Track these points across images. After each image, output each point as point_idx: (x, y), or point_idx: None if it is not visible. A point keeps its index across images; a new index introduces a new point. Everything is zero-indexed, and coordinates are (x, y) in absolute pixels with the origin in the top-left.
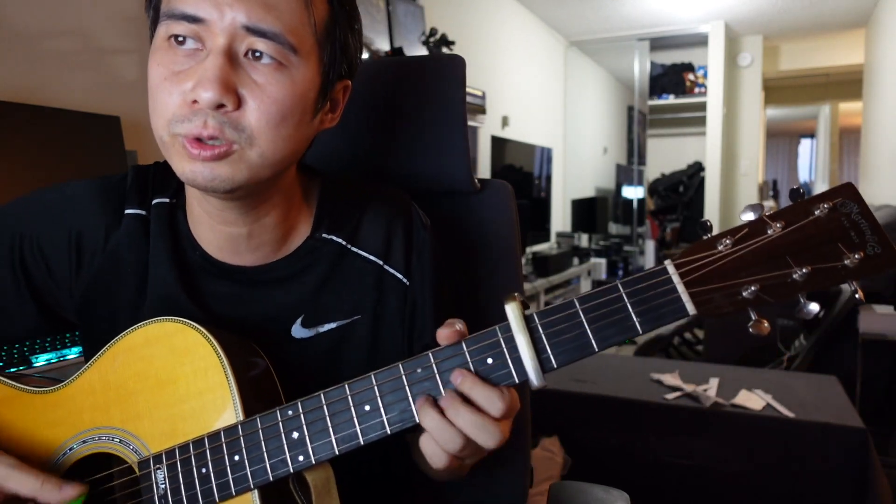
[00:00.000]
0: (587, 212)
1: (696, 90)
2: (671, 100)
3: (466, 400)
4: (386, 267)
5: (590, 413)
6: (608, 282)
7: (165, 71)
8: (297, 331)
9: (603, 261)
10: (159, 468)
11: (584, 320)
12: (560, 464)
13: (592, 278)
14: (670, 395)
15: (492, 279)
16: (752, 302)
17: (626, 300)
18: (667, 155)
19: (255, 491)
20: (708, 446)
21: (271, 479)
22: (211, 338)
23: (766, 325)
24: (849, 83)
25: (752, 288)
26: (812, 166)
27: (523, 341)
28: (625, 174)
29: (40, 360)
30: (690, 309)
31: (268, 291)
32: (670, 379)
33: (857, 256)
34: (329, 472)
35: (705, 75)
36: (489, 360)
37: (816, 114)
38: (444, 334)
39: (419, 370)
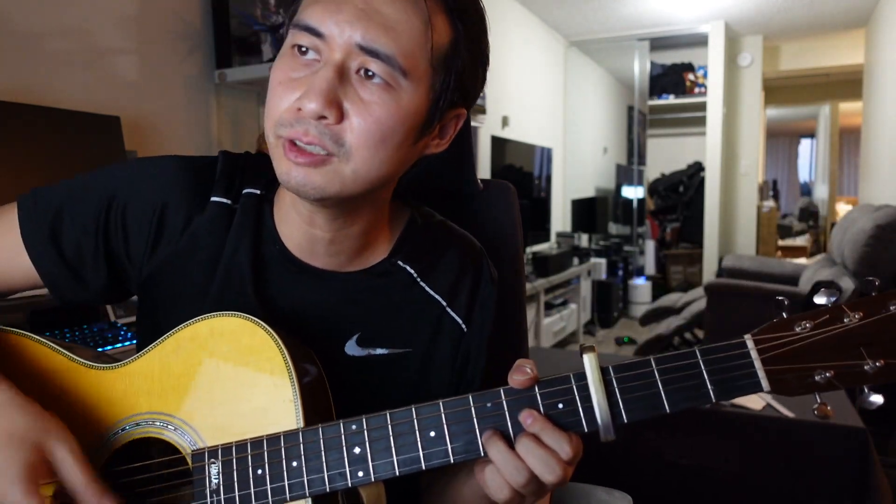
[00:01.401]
0: (587, 212)
1: (696, 90)
2: (671, 100)
3: (535, 439)
4: (448, 309)
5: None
6: (609, 282)
7: (283, 76)
8: (351, 347)
9: (603, 261)
10: (214, 462)
11: (658, 381)
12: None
13: (592, 278)
14: None
15: None
16: (822, 386)
17: (703, 368)
18: (667, 155)
19: (310, 499)
20: (708, 446)
21: (328, 490)
22: (279, 340)
23: (829, 408)
24: (849, 83)
25: (826, 374)
26: (812, 166)
27: (597, 392)
28: (625, 174)
29: None
30: (765, 386)
31: (335, 299)
32: None
33: None
34: (381, 489)
35: (705, 75)
36: (560, 406)
37: (816, 114)
38: (518, 381)
39: (489, 405)
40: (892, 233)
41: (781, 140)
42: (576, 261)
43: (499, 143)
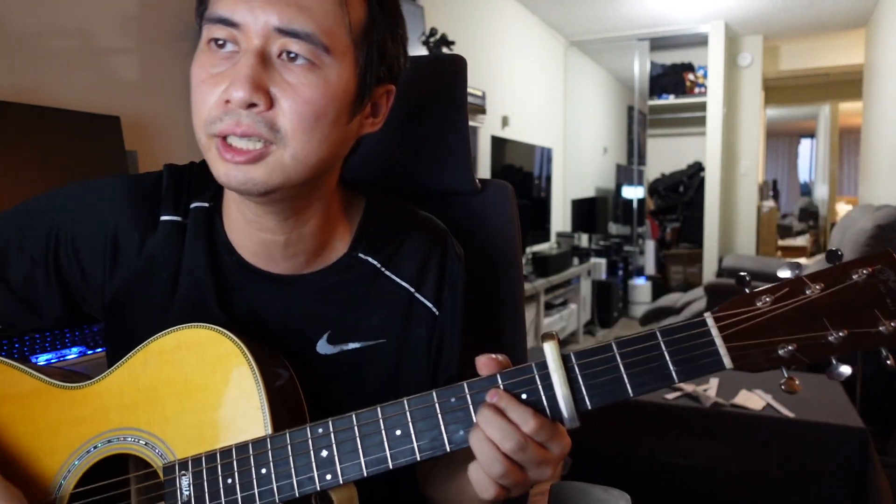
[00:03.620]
0: (587, 212)
1: (696, 90)
2: (671, 100)
3: (496, 410)
4: (417, 295)
5: (582, 416)
6: (609, 282)
7: (203, 73)
8: (323, 346)
9: (603, 261)
10: (184, 474)
11: (620, 365)
12: (560, 464)
13: (592, 278)
14: (670, 395)
15: (493, 279)
16: (786, 361)
17: (664, 349)
18: (667, 155)
19: None
20: (708, 446)
21: (297, 495)
22: (244, 348)
23: (797, 382)
24: (849, 83)
25: (789, 347)
26: (812, 166)
27: (559, 381)
28: (625, 174)
29: (40, 360)
30: (727, 363)
31: (299, 302)
32: None
33: (892, 324)
34: (353, 492)
35: (705, 75)
36: (524, 396)
37: (816, 114)
38: (482, 361)
39: (453, 399)
40: (892, 233)
41: (781, 140)
42: (576, 261)
43: (499, 143)
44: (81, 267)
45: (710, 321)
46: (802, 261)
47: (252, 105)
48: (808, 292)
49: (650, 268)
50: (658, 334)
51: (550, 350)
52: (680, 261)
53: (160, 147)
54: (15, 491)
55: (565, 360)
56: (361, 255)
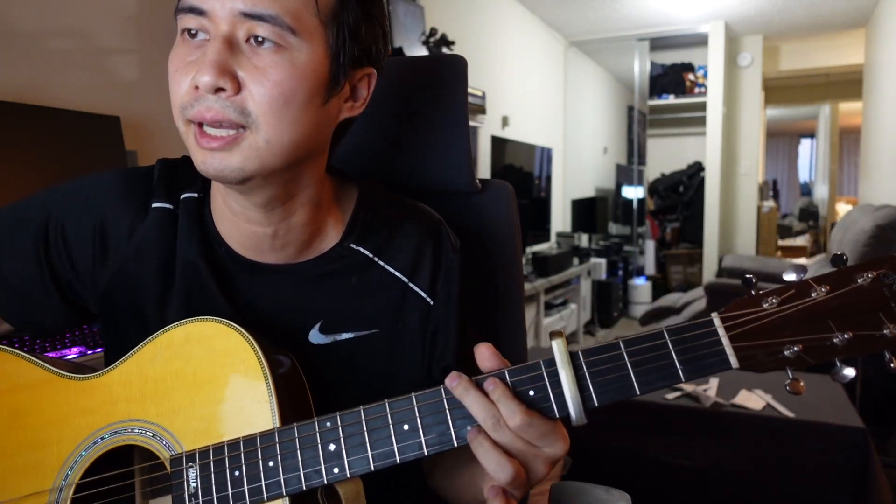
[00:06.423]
0: (587, 212)
1: (696, 90)
2: (671, 100)
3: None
4: (410, 284)
5: (590, 413)
6: (609, 282)
7: (178, 63)
8: (315, 336)
9: (603, 261)
10: (192, 466)
11: (627, 363)
12: (560, 464)
13: (592, 278)
14: (670, 395)
15: (492, 279)
16: (791, 361)
17: (671, 348)
18: (667, 155)
19: (287, 498)
20: (708, 446)
21: (304, 488)
22: (253, 342)
23: (801, 384)
24: (849, 83)
25: (795, 348)
26: (812, 166)
27: (567, 377)
28: (625, 174)
29: None
30: (734, 363)
31: (290, 292)
32: None
33: None
34: (360, 486)
35: (705, 75)
36: (531, 392)
37: (816, 114)
38: (483, 350)
39: None
40: (892, 233)
41: (781, 140)
42: (576, 261)
43: (499, 143)
44: (71, 258)
45: (717, 321)
46: (803, 261)
47: (220, 90)
48: (813, 295)
49: (650, 268)
50: (665, 333)
51: (559, 347)
52: (680, 261)
53: (160, 147)
54: None
55: (573, 357)
56: (353, 246)
